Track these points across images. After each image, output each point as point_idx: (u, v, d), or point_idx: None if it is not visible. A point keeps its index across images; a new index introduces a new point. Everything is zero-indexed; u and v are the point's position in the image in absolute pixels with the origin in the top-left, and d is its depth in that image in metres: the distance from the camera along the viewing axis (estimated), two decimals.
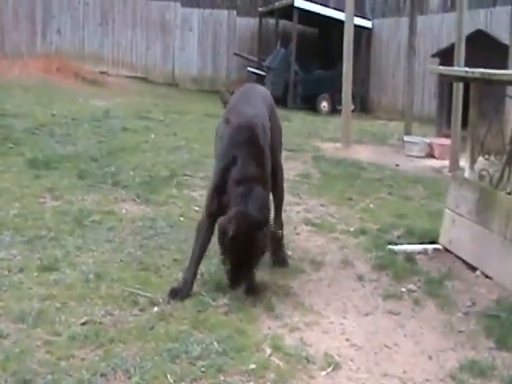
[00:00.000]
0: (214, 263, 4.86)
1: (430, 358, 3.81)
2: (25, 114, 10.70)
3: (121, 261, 4.86)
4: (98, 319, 3.87)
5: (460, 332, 4.14)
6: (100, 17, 22.06)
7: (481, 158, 5.69)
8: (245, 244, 4.14)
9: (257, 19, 22.45)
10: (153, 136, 10.00)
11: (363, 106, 18.88)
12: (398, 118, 15.55)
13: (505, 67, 10.06)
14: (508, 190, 5.21)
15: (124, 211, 6.17)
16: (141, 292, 4.26)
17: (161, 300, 4.16)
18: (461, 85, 9.14)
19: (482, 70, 5.10)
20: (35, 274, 4.50)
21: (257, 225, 4.18)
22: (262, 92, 5.28)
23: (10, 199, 6.18)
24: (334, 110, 18.05)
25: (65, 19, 21.85)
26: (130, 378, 3.26)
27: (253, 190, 4.24)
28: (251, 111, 4.67)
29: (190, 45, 22.59)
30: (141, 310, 4.05)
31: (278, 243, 5.05)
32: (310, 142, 11.08)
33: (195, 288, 4.38)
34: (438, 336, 4.10)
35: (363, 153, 10.64)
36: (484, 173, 5.44)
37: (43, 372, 3.25)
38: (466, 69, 5.49)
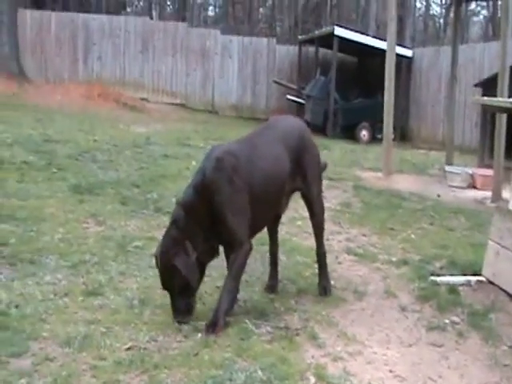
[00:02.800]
0: (256, 291, 4.89)
1: None
2: (67, 139, 10.86)
3: None
4: (142, 345, 3.89)
5: (505, 366, 4.09)
6: (141, 44, 22.38)
7: None
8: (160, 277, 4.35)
9: (296, 47, 22.60)
10: (194, 163, 10.06)
11: (403, 135, 18.86)
12: (438, 148, 15.50)
13: None
14: None
15: None
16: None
17: (204, 326, 4.17)
18: (504, 115, 9.09)
19: None
20: (80, 298, 4.55)
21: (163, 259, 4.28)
22: (288, 128, 4.95)
23: (55, 224, 6.26)
24: (374, 138, 18.07)
25: (106, 46, 22.23)
26: None
27: (169, 227, 4.37)
28: (232, 147, 4.54)
29: (229, 72, 22.81)
30: (185, 336, 4.07)
31: (322, 272, 5.07)
32: (350, 171, 11.07)
33: (238, 316, 4.38)
34: (482, 369, 4.06)
35: (404, 183, 10.60)
36: None
37: None
38: (511, 100, 5.46)
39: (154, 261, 4.43)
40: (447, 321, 4.72)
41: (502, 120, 9.32)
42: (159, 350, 3.85)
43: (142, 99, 21.39)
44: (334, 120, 18.93)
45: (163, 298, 4.63)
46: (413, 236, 7.04)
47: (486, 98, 7.84)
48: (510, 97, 8.07)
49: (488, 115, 11.90)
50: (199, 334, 4.08)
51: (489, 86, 11.26)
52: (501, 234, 5.42)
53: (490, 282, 5.46)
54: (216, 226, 4.28)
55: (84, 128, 12.81)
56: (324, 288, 5.03)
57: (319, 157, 5.11)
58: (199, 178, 4.33)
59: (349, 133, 18.75)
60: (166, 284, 4.28)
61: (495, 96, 9.01)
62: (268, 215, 4.75)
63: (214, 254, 4.44)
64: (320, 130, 18.65)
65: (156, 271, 5.06)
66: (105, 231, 6.25)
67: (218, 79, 22.77)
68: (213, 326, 4.13)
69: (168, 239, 4.28)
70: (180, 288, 4.23)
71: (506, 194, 8.71)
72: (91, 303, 4.47)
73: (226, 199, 4.25)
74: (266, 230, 4.98)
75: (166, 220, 6.73)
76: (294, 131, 4.93)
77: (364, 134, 18.90)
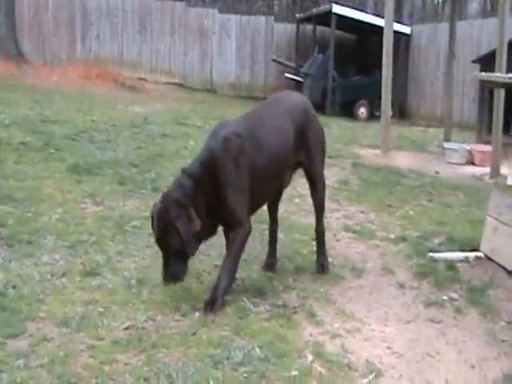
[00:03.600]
0: (254, 269, 4.90)
1: (473, 367, 3.77)
2: (65, 120, 10.81)
3: None
4: (140, 324, 3.90)
5: (503, 341, 4.10)
6: (138, 24, 22.28)
7: None
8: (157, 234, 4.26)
9: (294, 25, 22.49)
10: (192, 142, 10.05)
11: (401, 112, 18.81)
12: (437, 125, 15.47)
13: None
14: None
15: None
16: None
17: (202, 305, 4.17)
18: (502, 91, 9.06)
19: None
20: (78, 278, 4.55)
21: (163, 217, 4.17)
22: (293, 102, 4.95)
23: (53, 204, 6.25)
24: (372, 116, 18.04)
25: (103, 26, 22.12)
26: (172, 382, 3.27)
27: (173, 189, 4.28)
28: (238, 126, 4.50)
29: (227, 51, 22.72)
30: (183, 315, 4.07)
31: (320, 250, 5.06)
32: (348, 149, 11.05)
33: (236, 294, 4.39)
34: (480, 345, 4.06)
35: (402, 159, 10.59)
36: None
37: (87, 376, 3.27)
38: (510, 75, 5.44)
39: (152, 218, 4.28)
40: (445, 297, 4.73)
41: (500, 95, 9.29)
42: (157, 329, 3.85)
43: (140, 79, 21.30)
44: (333, 98, 18.88)
45: (161, 277, 4.63)
46: (411, 213, 7.04)
47: (484, 73, 7.80)
48: (508, 72, 8.03)
49: (486, 91, 11.86)
50: (197, 313, 4.08)
51: (487, 61, 11.22)
52: (499, 210, 5.42)
53: (488, 258, 5.46)
54: (218, 203, 4.27)
55: (82, 108, 12.75)
56: (322, 266, 5.02)
57: (323, 133, 5.09)
58: (206, 156, 4.34)
59: (347, 110, 18.71)
60: (161, 243, 4.20)
61: (493, 72, 8.97)
62: (272, 188, 4.76)
63: (213, 232, 4.43)
64: (318, 107, 18.50)
65: (154, 251, 5.10)
66: (103, 211, 6.24)
67: (216, 58, 22.68)
68: (211, 305, 4.12)
69: (172, 199, 4.18)
70: (175, 251, 4.16)
71: (504, 169, 8.68)
72: (89, 283, 4.47)
73: (230, 180, 4.26)
74: (265, 208, 4.98)
75: None
76: (299, 105, 4.92)
77: (362, 111, 18.86)
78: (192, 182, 4.20)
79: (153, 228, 4.29)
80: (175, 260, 4.18)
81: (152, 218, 4.27)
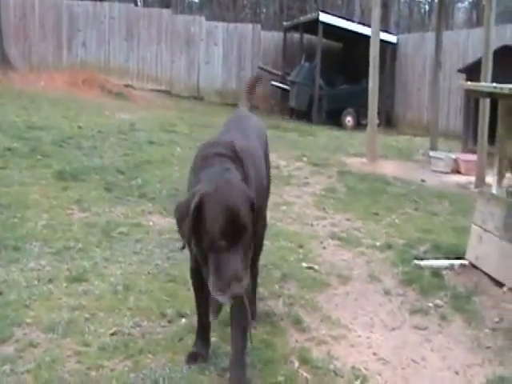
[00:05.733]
0: None
1: (457, 373, 3.80)
2: (52, 126, 10.80)
3: (148, 273, 4.89)
4: (126, 330, 3.90)
5: (487, 348, 4.13)
6: (125, 30, 22.27)
7: (509, 174, 5.68)
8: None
9: (281, 33, 22.54)
10: (179, 149, 10.06)
11: (388, 120, 18.89)
12: (423, 134, 15.55)
13: None
14: None
15: (151, 223, 6.22)
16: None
17: (189, 312, 4.18)
18: (487, 100, 9.12)
19: (510, 85, 5.09)
20: (64, 284, 4.54)
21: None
22: (258, 123, 4.32)
23: (39, 211, 6.24)
24: (359, 124, 18.10)
25: (90, 33, 22.09)
26: None
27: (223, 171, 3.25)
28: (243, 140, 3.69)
29: (214, 58, 22.75)
30: (169, 321, 4.08)
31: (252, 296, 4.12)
32: (335, 157, 11.08)
33: None
34: (465, 351, 4.09)
35: (389, 168, 10.63)
36: None
37: (73, 381, 3.27)
38: (495, 85, 5.48)
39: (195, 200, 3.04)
40: (430, 304, 4.75)
41: (485, 105, 9.36)
42: (143, 335, 3.86)
43: (127, 86, 21.28)
44: (319, 106, 18.95)
45: (147, 283, 4.65)
46: (397, 220, 7.08)
47: (469, 82, 7.85)
48: (493, 82, 8.09)
49: (472, 100, 11.94)
50: (183, 319, 4.09)
51: (472, 71, 11.29)
52: (484, 218, 5.46)
53: (473, 266, 5.50)
54: None
55: (69, 115, 12.74)
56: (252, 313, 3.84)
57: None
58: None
59: (334, 119, 18.77)
60: (241, 228, 3.02)
61: (479, 81, 9.04)
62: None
63: None
64: (305, 116, 18.68)
65: (140, 257, 5.11)
66: (89, 217, 6.23)
67: (203, 65, 22.70)
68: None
69: (237, 181, 3.20)
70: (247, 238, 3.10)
71: (489, 178, 8.75)
72: (75, 289, 4.47)
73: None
74: None
75: (150, 206, 6.79)
76: (263, 129, 4.40)
77: (349, 119, 18.93)
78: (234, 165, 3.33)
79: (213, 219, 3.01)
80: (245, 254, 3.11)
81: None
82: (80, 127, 11.14)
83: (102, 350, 3.62)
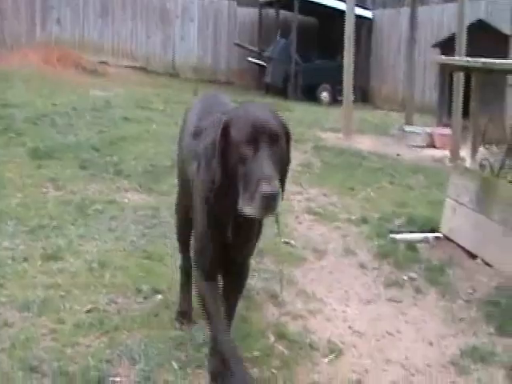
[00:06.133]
0: None
1: (432, 344, 3.86)
2: (26, 103, 10.67)
3: (124, 249, 4.88)
4: (102, 307, 3.90)
5: (461, 319, 4.18)
6: (100, 7, 22.01)
7: (482, 148, 5.72)
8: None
9: (257, 9, 22.40)
10: (154, 126, 10.00)
11: (364, 96, 18.86)
12: (399, 109, 15.57)
13: (505, 57, 10.08)
14: (509, 179, 5.24)
15: (126, 200, 6.20)
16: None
17: (164, 288, 4.18)
18: (461, 75, 9.15)
19: (483, 59, 5.11)
20: (39, 262, 4.52)
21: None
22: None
23: (13, 189, 6.19)
24: (335, 100, 18.06)
25: (64, 10, 21.81)
26: (134, 364, 3.29)
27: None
28: None
29: (190, 35, 22.56)
30: (145, 297, 4.08)
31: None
32: (311, 132, 11.08)
33: None
34: (439, 323, 4.14)
35: (364, 143, 10.65)
36: (485, 162, 5.49)
37: (49, 359, 3.27)
38: (468, 58, 5.50)
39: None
40: (405, 277, 4.80)
41: (459, 79, 9.40)
42: (119, 311, 3.86)
43: (102, 63, 21.07)
44: (295, 82, 18.87)
45: (123, 260, 4.65)
46: (372, 195, 7.11)
47: (443, 57, 7.87)
48: (467, 56, 8.11)
49: (446, 75, 11.98)
50: (159, 296, 4.09)
51: (447, 45, 11.31)
52: (458, 192, 5.50)
53: (448, 239, 5.56)
54: None
55: (43, 92, 12.58)
56: None
57: None
58: None
59: (310, 94, 18.71)
60: (270, 131, 2.72)
61: (453, 56, 9.06)
62: None
63: None
64: (281, 91, 18.62)
65: (115, 234, 5.09)
66: (64, 195, 6.20)
67: (178, 41, 22.52)
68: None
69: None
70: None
71: (463, 152, 8.80)
72: (50, 267, 4.45)
73: None
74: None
75: (126, 183, 6.77)
76: None
77: (325, 95, 18.88)
78: None
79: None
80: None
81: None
82: (54, 104, 11.02)
83: (78, 328, 3.62)
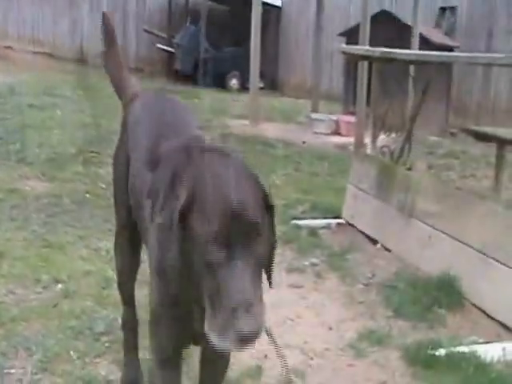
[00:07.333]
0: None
1: (331, 328, 3.93)
2: None
3: (24, 239, 4.79)
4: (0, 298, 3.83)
5: (360, 303, 4.28)
6: None
7: (383, 135, 5.86)
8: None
9: None
10: (59, 112, 9.83)
11: (273, 84, 18.98)
12: (307, 96, 15.71)
13: (408, 47, 10.31)
14: (407, 166, 5.38)
15: (28, 188, 6.07)
16: None
17: (65, 277, 4.13)
18: (366, 63, 9.32)
19: (382, 49, 5.23)
20: None
21: None
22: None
23: None
24: (244, 87, 18.08)
25: None
26: (31, 355, 3.24)
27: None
28: None
29: (98, 20, 22.18)
30: (44, 287, 4.02)
31: None
32: (218, 120, 11.08)
33: (99, 265, 4.36)
34: (338, 307, 4.23)
35: (271, 130, 10.71)
36: (385, 149, 5.62)
37: None
38: (368, 48, 5.61)
39: None
40: (307, 263, 4.87)
41: (363, 68, 9.57)
42: (17, 302, 3.80)
43: (6, 48, 20.56)
44: (205, 69, 18.85)
45: (23, 250, 4.57)
46: (277, 182, 7.18)
47: (346, 45, 8.01)
48: (371, 46, 8.27)
49: (351, 64, 12.17)
50: (59, 285, 4.04)
51: (352, 35, 11.51)
52: (359, 178, 5.62)
53: (349, 224, 5.68)
54: None
55: None
56: None
57: None
58: None
59: (219, 82, 18.70)
60: (247, 222, 1.88)
61: (357, 45, 9.22)
62: None
63: None
64: (190, 79, 18.56)
65: (16, 223, 4.99)
66: None
67: (86, 27, 22.15)
68: None
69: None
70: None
71: (367, 139, 8.98)
72: None
73: None
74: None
75: (28, 170, 6.62)
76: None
77: (234, 82, 18.92)
78: None
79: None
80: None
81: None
82: None
83: None
